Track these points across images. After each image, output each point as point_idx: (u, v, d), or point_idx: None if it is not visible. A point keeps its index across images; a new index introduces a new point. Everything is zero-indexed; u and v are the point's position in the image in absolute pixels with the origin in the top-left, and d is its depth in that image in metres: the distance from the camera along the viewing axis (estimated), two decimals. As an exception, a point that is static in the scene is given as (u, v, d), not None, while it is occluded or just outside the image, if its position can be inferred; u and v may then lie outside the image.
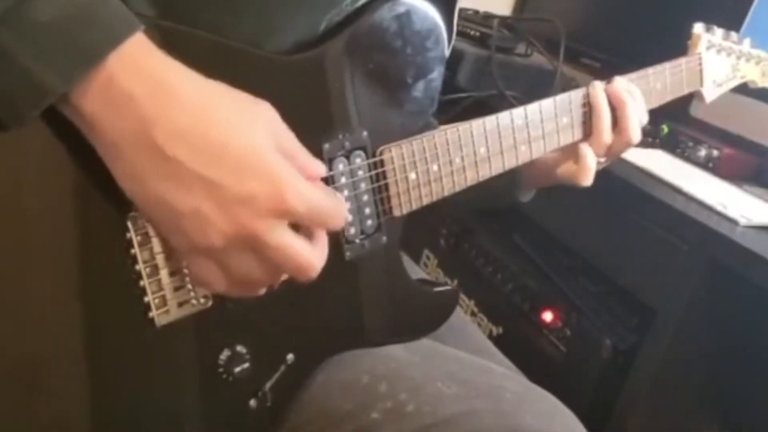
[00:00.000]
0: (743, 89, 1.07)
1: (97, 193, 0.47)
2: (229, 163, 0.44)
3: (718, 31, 0.87)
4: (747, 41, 0.91)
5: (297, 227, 0.48)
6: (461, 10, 1.41)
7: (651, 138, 1.19)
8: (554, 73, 1.22)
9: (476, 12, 1.41)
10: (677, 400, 0.95)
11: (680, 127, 1.15)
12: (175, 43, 0.47)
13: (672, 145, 1.15)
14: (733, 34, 0.89)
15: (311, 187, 0.48)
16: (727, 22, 0.94)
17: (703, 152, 1.10)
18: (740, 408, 0.98)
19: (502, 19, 1.35)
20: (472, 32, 1.33)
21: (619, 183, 0.95)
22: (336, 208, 0.50)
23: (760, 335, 0.91)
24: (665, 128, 1.17)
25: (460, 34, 1.37)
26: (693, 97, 0.87)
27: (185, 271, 0.52)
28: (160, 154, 0.43)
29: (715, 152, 1.09)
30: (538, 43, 1.31)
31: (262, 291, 0.52)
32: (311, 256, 0.48)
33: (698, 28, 0.85)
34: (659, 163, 1.05)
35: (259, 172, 0.45)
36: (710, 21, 0.91)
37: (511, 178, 0.77)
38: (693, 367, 0.93)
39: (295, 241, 0.47)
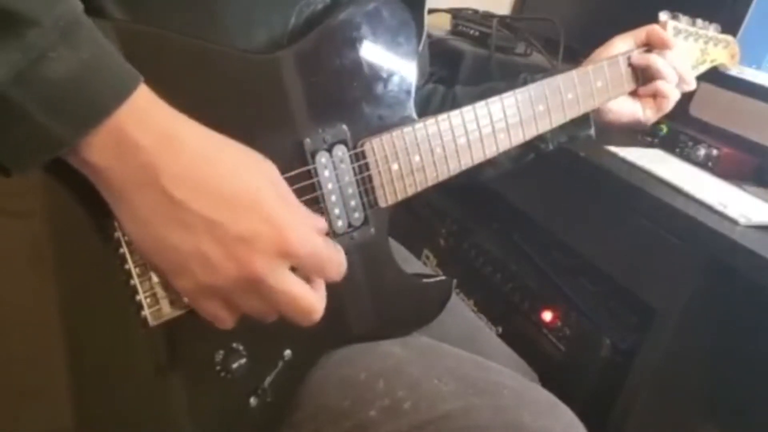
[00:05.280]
0: (742, 88, 1.07)
1: (82, 195, 0.48)
2: (234, 205, 0.46)
3: (684, 18, 0.88)
4: (713, 26, 0.92)
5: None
6: (460, 9, 1.41)
7: (650, 138, 1.19)
8: (553, 73, 1.21)
9: (476, 11, 1.41)
10: (676, 399, 0.95)
11: (679, 126, 1.15)
12: (151, 47, 0.48)
13: (671, 145, 1.15)
14: (699, 21, 0.90)
15: (313, 232, 0.49)
16: (727, 22, 0.94)
17: (702, 152, 1.09)
18: (739, 407, 0.98)
19: (502, 19, 1.35)
20: (472, 32, 1.33)
21: (619, 182, 0.95)
22: (336, 257, 0.51)
23: (759, 335, 0.91)
24: (664, 128, 1.17)
25: (459, 33, 1.37)
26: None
27: None
28: (166, 197, 0.44)
29: (715, 152, 1.08)
30: (538, 43, 1.31)
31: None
32: (314, 300, 0.49)
33: (663, 15, 0.87)
34: (659, 162, 1.05)
35: (262, 213, 0.46)
36: (710, 21, 0.92)
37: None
38: (692, 367, 0.93)
39: (298, 285, 0.49)
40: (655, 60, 0.82)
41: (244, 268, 0.46)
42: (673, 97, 0.84)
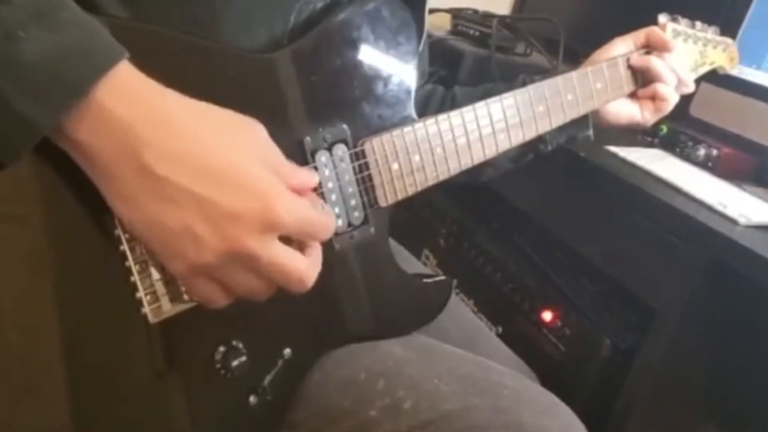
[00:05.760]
0: (742, 88, 1.07)
1: (81, 192, 0.47)
2: (218, 180, 0.45)
3: (683, 20, 0.89)
4: (712, 29, 0.92)
5: (288, 241, 0.49)
6: (460, 9, 1.41)
7: (650, 138, 1.19)
8: (553, 73, 1.21)
9: (476, 11, 1.41)
10: (676, 399, 0.95)
11: (679, 126, 1.15)
12: (151, 45, 0.48)
13: (671, 145, 1.15)
14: (699, 23, 0.90)
15: (298, 199, 0.49)
16: (726, 22, 0.94)
17: (702, 152, 1.09)
18: (740, 407, 0.98)
19: (502, 19, 1.35)
20: (472, 32, 1.33)
21: (619, 182, 0.95)
22: (323, 219, 0.51)
23: (759, 335, 0.91)
24: (664, 128, 1.17)
25: (459, 33, 1.37)
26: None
27: None
28: (150, 175, 0.44)
29: (715, 152, 1.08)
30: (538, 43, 1.31)
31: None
32: (304, 267, 0.49)
33: (663, 17, 0.87)
34: (659, 162, 1.05)
35: (247, 188, 0.46)
36: (710, 21, 0.92)
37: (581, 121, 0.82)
38: (692, 367, 0.93)
39: (287, 254, 0.48)
40: (654, 62, 0.82)
41: (234, 245, 0.45)
42: (671, 99, 0.84)
